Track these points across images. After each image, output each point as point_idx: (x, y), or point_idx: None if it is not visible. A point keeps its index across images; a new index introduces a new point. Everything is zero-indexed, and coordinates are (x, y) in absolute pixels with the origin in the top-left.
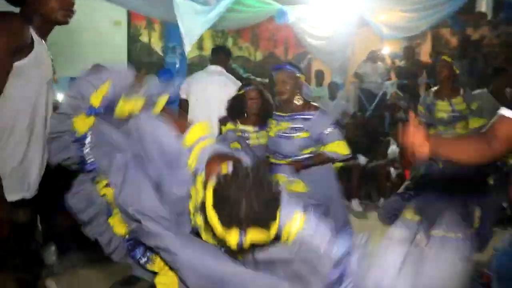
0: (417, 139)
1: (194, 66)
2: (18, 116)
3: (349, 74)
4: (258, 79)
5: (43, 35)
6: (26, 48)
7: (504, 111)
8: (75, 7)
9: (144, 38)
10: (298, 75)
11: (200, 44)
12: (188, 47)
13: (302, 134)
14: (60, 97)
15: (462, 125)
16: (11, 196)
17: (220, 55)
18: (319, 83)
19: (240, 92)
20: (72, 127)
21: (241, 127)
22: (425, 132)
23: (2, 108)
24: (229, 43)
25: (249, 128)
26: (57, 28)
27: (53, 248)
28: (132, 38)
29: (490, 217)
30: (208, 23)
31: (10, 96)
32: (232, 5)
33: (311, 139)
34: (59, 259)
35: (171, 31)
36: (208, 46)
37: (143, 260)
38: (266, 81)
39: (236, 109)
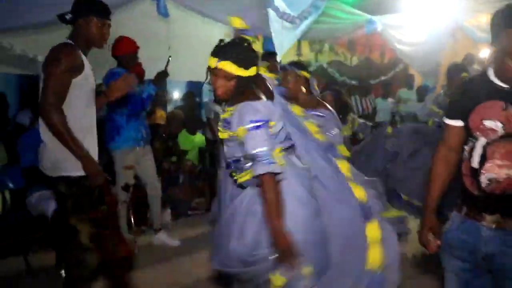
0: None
1: None
2: (80, 115)
3: (441, 77)
4: (353, 82)
5: (84, 53)
6: (79, 68)
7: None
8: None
9: None
10: (298, 73)
11: (298, 51)
12: (279, 57)
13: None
14: None
15: None
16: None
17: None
18: (410, 87)
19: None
20: None
21: None
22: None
23: (68, 111)
24: (326, 48)
25: None
26: (177, 40)
27: (169, 211)
28: None
29: None
30: (294, 38)
31: (72, 103)
32: (320, 17)
33: None
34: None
35: (269, 43)
36: (306, 52)
37: None
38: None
39: None
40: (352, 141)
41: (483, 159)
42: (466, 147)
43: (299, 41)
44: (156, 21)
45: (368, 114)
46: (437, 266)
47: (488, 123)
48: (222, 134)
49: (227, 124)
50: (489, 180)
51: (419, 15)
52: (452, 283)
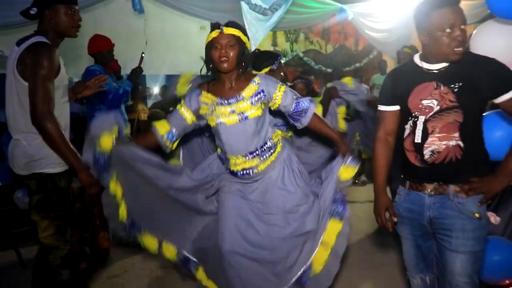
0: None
1: None
2: (58, 114)
3: None
4: (329, 70)
5: (56, 46)
6: (58, 69)
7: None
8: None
9: None
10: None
11: (274, 41)
12: (253, 47)
13: None
14: None
15: None
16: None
17: None
18: (383, 72)
19: (291, 84)
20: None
21: None
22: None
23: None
24: (301, 38)
25: None
26: (154, 35)
27: None
28: None
29: None
30: (268, 29)
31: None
32: (291, 7)
33: None
34: None
35: None
36: (282, 41)
37: None
38: (329, 71)
39: None
40: None
41: (425, 134)
42: (407, 126)
43: (274, 32)
44: (132, 17)
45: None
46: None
47: (425, 102)
48: (255, 113)
49: (259, 96)
50: (431, 151)
51: (389, 1)
52: (408, 248)
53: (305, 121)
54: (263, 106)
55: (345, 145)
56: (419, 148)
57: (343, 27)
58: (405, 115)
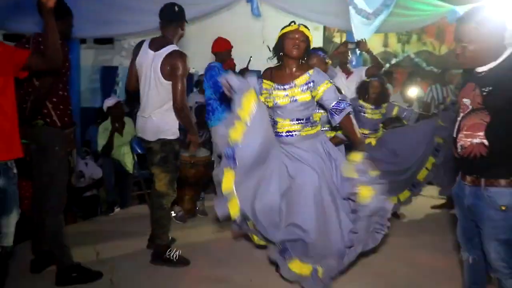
0: None
1: None
2: None
3: None
4: (439, 71)
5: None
6: None
7: None
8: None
9: (336, 39)
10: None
11: (385, 42)
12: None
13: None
14: None
15: None
16: (176, 136)
17: None
18: None
19: (367, 80)
20: None
21: (361, 103)
22: None
23: None
24: (414, 39)
25: (367, 105)
26: (270, 36)
27: None
28: (327, 39)
29: None
30: (371, 32)
31: None
32: (398, 10)
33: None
34: None
35: (350, 35)
36: (393, 42)
37: None
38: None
39: (361, 91)
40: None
41: (458, 130)
42: None
43: (385, 33)
44: (251, 20)
45: (444, 103)
46: None
47: (464, 101)
48: (304, 97)
49: (308, 85)
50: (461, 146)
51: (503, 2)
52: (458, 227)
53: (338, 118)
54: (312, 93)
55: (362, 146)
56: (454, 142)
57: None
58: None
